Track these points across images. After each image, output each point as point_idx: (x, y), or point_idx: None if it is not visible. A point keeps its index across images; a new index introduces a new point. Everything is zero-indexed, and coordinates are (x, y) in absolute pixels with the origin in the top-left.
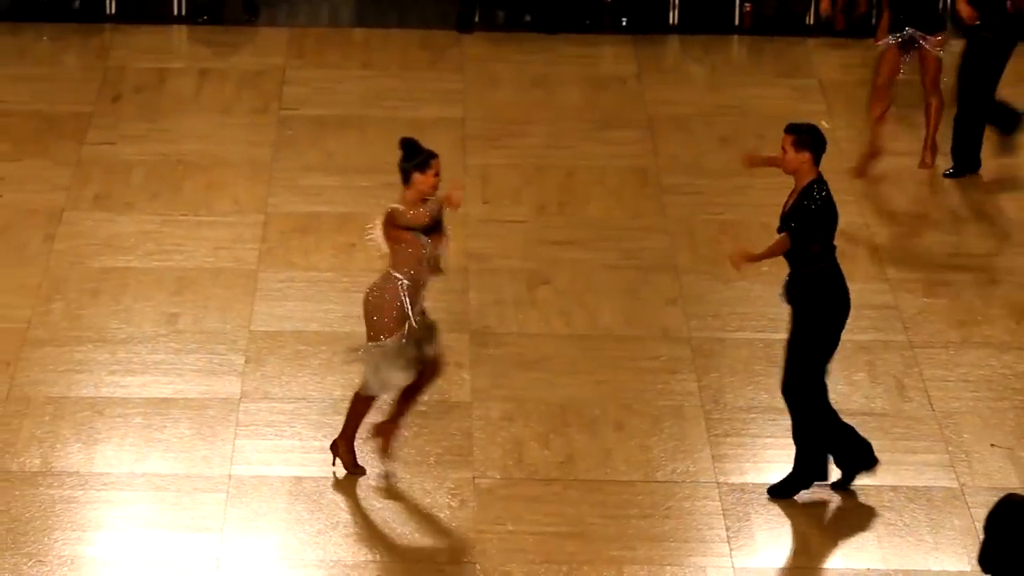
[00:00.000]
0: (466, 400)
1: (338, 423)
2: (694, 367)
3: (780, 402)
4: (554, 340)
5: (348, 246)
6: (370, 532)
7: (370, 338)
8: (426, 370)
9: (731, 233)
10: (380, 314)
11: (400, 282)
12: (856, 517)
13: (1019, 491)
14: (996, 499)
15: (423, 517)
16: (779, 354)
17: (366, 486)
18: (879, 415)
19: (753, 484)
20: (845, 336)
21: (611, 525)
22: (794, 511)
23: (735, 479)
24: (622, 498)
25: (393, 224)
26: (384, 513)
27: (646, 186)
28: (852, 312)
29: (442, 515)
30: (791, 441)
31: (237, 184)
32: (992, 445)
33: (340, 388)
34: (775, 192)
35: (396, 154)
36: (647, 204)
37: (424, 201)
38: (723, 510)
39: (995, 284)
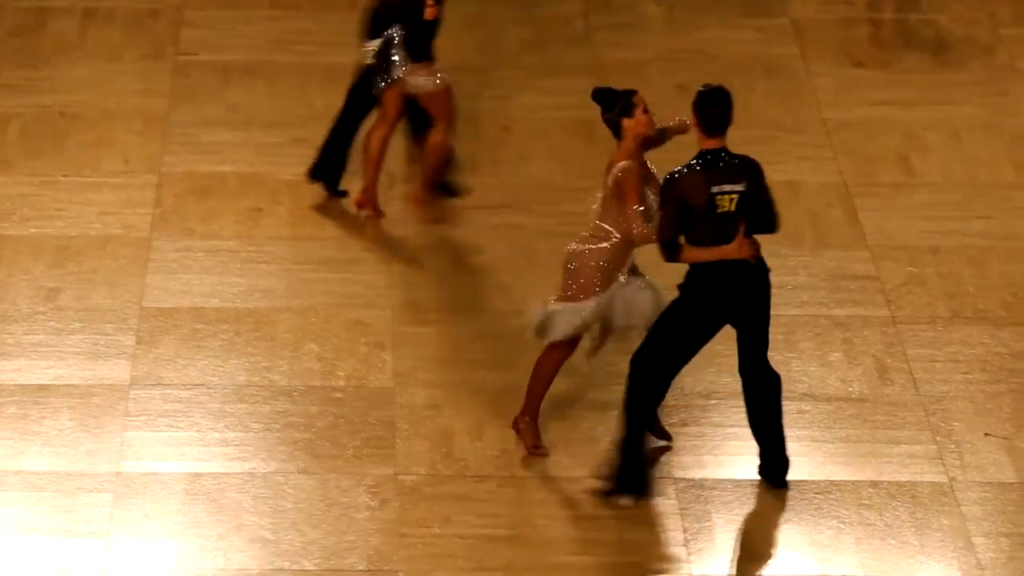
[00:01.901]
0: (387, 385)
1: (241, 411)
2: None
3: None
4: (488, 317)
5: (253, 211)
6: (278, 537)
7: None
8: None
9: None
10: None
11: None
12: (831, 517)
13: (1015, 487)
14: (989, 495)
15: (339, 519)
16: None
17: (274, 483)
18: (857, 400)
19: (714, 479)
20: (819, 311)
21: (553, 527)
22: (760, 510)
23: (694, 474)
24: (565, 497)
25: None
26: (294, 515)
27: (593, 142)
28: (828, 284)
29: (360, 516)
30: None
31: (127, 140)
32: (986, 434)
33: (244, 373)
34: (735, 148)
35: (309, 106)
36: (594, 163)
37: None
38: (680, 509)
39: (990, 251)
